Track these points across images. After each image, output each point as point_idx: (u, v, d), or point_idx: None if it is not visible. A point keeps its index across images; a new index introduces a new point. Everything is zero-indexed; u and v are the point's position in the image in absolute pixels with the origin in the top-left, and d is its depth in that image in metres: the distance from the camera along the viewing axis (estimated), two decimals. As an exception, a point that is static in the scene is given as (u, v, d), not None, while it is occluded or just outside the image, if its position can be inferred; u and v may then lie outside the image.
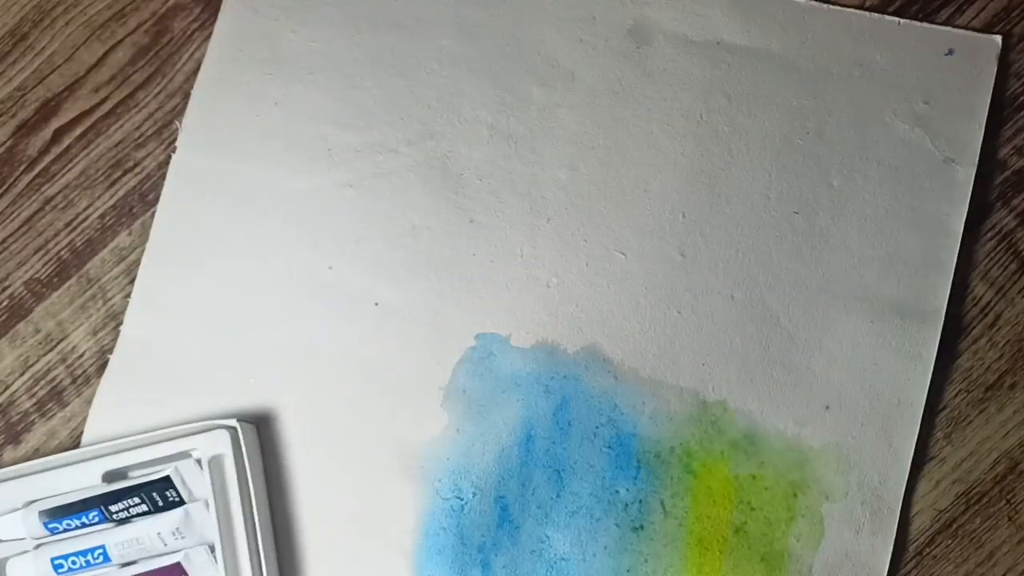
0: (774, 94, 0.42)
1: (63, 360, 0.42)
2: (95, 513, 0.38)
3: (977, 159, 0.41)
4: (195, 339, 0.41)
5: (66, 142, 0.43)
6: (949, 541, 0.40)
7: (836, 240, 0.41)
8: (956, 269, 0.41)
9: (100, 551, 0.38)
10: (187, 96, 0.43)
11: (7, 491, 0.39)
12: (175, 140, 0.43)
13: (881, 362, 0.40)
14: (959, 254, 0.41)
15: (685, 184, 0.42)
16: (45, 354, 0.42)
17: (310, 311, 0.41)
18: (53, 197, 0.43)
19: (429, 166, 0.42)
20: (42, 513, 0.38)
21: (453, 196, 0.42)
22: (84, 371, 0.42)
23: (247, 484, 0.39)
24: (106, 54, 0.43)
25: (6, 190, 0.43)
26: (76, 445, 0.41)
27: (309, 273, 0.42)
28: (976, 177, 0.41)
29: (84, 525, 0.38)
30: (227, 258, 0.42)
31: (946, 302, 0.41)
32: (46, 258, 0.43)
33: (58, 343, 0.42)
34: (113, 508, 0.38)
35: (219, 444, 0.38)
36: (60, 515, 0.38)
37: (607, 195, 0.42)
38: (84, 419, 0.41)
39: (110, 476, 0.39)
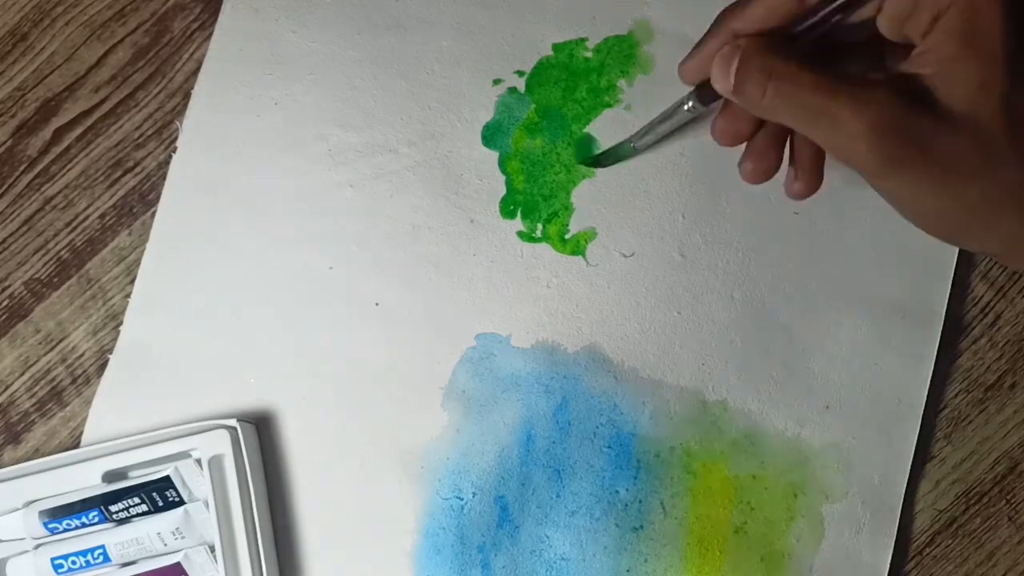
0: (774, 94, 0.42)
1: (63, 360, 0.42)
2: (95, 513, 0.38)
3: (977, 159, 0.41)
4: (195, 339, 0.41)
5: (66, 142, 0.43)
6: (949, 541, 0.40)
7: (836, 240, 0.41)
8: (956, 269, 0.41)
9: (100, 551, 0.38)
10: (187, 96, 0.43)
11: (7, 491, 0.39)
12: (175, 140, 0.43)
13: (881, 362, 0.40)
14: (959, 254, 0.41)
15: (685, 184, 0.42)
16: (45, 354, 0.42)
17: (310, 311, 0.41)
18: (53, 197, 0.43)
19: (429, 166, 0.42)
20: (42, 513, 0.38)
21: (453, 196, 0.42)
22: (84, 371, 0.42)
23: (247, 484, 0.39)
24: (106, 54, 0.43)
25: (6, 190, 0.43)
26: (76, 445, 0.41)
27: (309, 273, 0.42)
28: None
29: (84, 525, 0.38)
30: (227, 258, 0.42)
31: (946, 302, 0.40)
32: (46, 258, 0.43)
33: (58, 343, 0.42)
34: (113, 508, 0.38)
35: (219, 444, 0.38)
36: (60, 515, 0.38)
37: (607, 195, 0.42)
38: (84, 419, 0.41)
39: (110, 476, 0.39)
